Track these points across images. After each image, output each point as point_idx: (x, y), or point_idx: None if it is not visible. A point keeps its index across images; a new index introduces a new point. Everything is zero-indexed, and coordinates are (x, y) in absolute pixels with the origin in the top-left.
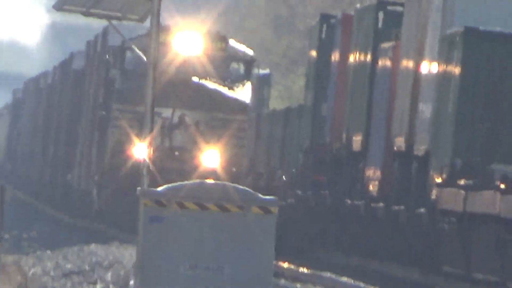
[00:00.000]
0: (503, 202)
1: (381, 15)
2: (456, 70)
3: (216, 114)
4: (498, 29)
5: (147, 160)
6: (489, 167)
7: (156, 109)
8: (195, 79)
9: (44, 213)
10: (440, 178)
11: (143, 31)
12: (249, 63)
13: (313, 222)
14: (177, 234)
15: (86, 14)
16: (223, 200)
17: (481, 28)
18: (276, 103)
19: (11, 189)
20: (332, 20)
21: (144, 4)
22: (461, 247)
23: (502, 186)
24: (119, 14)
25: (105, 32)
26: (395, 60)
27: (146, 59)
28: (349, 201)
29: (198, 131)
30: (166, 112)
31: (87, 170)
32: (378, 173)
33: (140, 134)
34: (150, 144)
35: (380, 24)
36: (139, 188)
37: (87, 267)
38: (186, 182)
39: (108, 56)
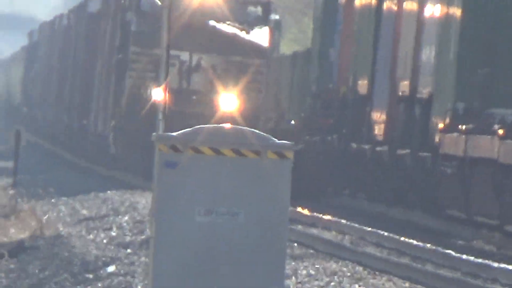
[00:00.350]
0: (501, 147)
1: None
2: (457, 12)
3: (233, 57)
4: None
5: (163, 104)
6: (488, 111)
7: (173, 52)
8: (212, 22)
9: (59, 158)
10: (442, 122)
11: None
12: (266, 6)
13: (321, 166)
14: (192, 180)
15: None
16: (239, 145)
17: None
18: (290, 47)
19: (26, 133)
20: None
21: None
22: (462, 191)
23: (500, 131)
24: None
25: None
26: (400, 3)
27: (161, 2)
28: (354, 145)
29: (215, 74)
30: (184, 56)
31: (104, 114)
32: (384, 116)
33: (157, 77)
34: (166, 88)
35: None
36: (154, 133)
37: (102, 213)
38: (202, 126)
39: None
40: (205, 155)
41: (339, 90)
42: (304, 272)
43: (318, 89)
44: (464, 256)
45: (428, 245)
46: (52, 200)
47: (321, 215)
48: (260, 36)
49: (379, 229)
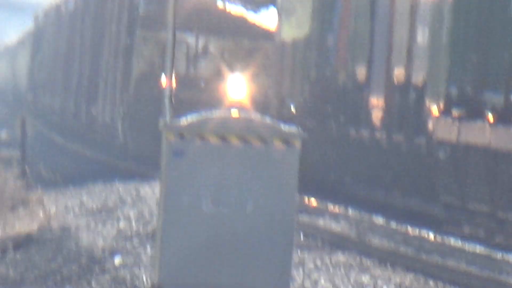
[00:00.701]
0: (493, 133)
1: None
2: (449, 2)
3: (241, 41)
4: None
5: (170, 90)
6: (481, 96)
7: (181, 35)
8: (220, 3)
9: (67, 148)
10: (436, 107)
11: None
12: None
13: (320, 152)
14: (200, 169)
15: None
16: (245, 132)
17: None
18: (295, 32)
19: (32, 120)
20: None
21: None
22: (455, 177)
23: (491, 117)
24: None
25: None
26: None
27: None
28: (353, 131)
29: (223, 59)
30: (191, 39)
31: (112, 102)
32: (381, 102)
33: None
34: (172, 74)
35: None
36: (161, 120)
37: (110, 204)
38: (209, 114)
39: None
40: (212, 144)
41: (337, 77)
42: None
43: (316, 75)
44: (470, 247)
45: (432, 236)
46: (60, 191)
47: (320, 203)
48: (268, 18)
49: (377, 216)
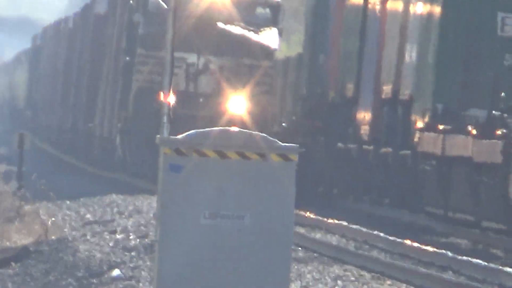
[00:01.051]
0: (475, 146)
1: None
2: (436, 22)
3: (241, 59)
4: None
5: (168, 107)
6: (465, 112)
7: (181, 55)
8: (220, 24)
9: (64, 162)
10: (422, 122)
11: None
12: (275, 8)
13: (311, 167)
14: (197, 183)
15: None
16: (243, 147)
17: None
18: (295, 49)
19: (30, 136)
20: None
21: None
22: (440, 189)
23: (474, 131)
24: None
25: None
26: (384, 9)
27: (167, 5)
28: (341, 145)
29: (223, 77)
30: (191, 58)
31: (110, 117)
32: (368, 117)
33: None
34: (171, 91)
35: None
36: (158, 136)
37: (107, 217)
38: (206, 129)
39: None
40: (210, 158)
41: (328, 93)
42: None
43: (308, 93)
44: (467, 259)
45: (430, 248)
46: (57, 204)
47: (311, 215)
48: (269, 37)
49: (364, 227)
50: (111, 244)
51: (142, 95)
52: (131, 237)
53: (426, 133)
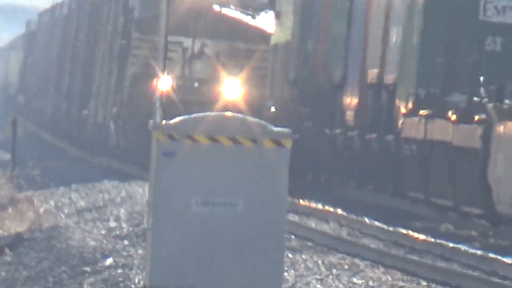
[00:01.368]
0: (455, 131)
1: None
2: (419, 8)
3: (237, 43)
4: None
5: (161, 92)
6: (446, 97)
7: (176, 38)
8: (216, 7)
9: (58, 149)
10: (405, 107)
11: None
12: None
13: (298, 153)
14: (190, 169)
15: None
16: (236, 133)
17: None
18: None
19: (23, 122)
20: None
21: None
22: (421, 173)
23: (454, 116)
24: None
25: None
26: (369, 2)
27: None
28: (328, 131)
29: (219, 61)
30: (187, 42)
31: (105, 103)
32: (354, 103)
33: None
34: (163, 76)
35: None
36: (151, 121)
37: (100, 204)
38: (199, 114)
39: None
40: (202, 143)
41: (316, 79)
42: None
43: (296, 78)
44: (460, 246)
45: (420, 236)
46: (50, 191)
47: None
48: (265, 21)
49: (352, 213)
50: (104, 232)
51: (137, 80)
52: (123, 225)
53: (409, 118)
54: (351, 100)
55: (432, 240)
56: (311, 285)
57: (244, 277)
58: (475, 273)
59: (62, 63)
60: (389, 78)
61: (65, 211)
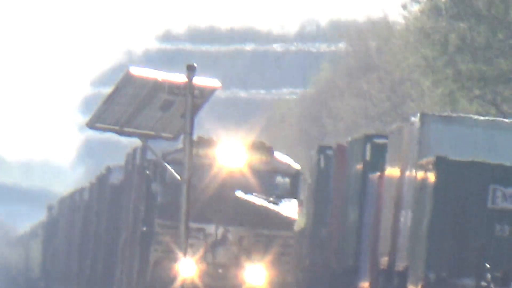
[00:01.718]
0: None
1: (368, 147)
2: (428, 195)
3: (260, 230)
4: (468, 157)
5: (181, 277)
6: (456, 280)
7: (199, 225)
8: (239, 193)
9: None
10: None
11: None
12: (295, 176)
13: None
14: None
15: (120, 132)
16: None
17: (451, 157)
18: None
19: None
20: (329, 152)
21: (178, 121)
22: None
23: None
24: (152, 132)
25: (144, 146)
26: (380, 189)
27: (180, 177)
28: None
29: (241, 247)
30: (209, 228)
31: (128, 287)
32: (366, 286)
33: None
34: (184, 262)
35: (367, 156)
36: None
37: None
38: None
39: (148, 169)
40: None
41: (328, 264)
42: None
43: (310, 264)
44: None
45: None
46: None
47: None
48: (288, 207)
49: None
50: None
51: (160, 266)
52: None
53: None
54: (363, 283)
55: None
56: None
57: None
58: None
59: (84, 249)
60: (400, 264)
61: None
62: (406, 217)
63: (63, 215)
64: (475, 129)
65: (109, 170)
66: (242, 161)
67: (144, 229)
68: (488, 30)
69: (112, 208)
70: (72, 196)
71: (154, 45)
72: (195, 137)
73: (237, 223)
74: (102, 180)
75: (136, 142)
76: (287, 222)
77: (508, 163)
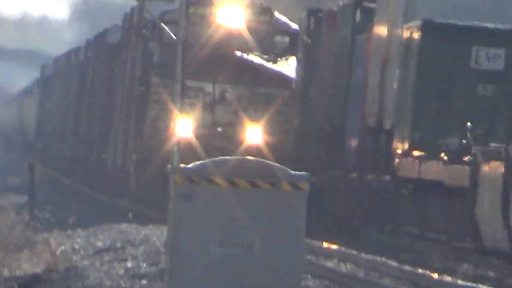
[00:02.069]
0: (446, 171)
1: (358, 11)
2: (414, 57)
3: (259, 89)
4: (453, 21)
5: (176, 136)
6: (439, 140)
7: (197, 84)
8: (238, 53)
9: (76, 192)
10: (401, 149)
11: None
12: (294, 36)
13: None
14: (207, 211)
15: None
16: (254, 176)
17: (437, 20)
18: None
19: (41, 167)
20: (320, 14)
21: None
22: (416, 210)
23: (445, 157)
24: None
25: (141, 5)
26: (368, 50)
27: (176, 36)
28: (330, 172)
29: (240, 106)
30: (208, 87)
31: (124, 148)
32: (354, 147)
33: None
34: (180, 121)
35: (357, 19)
36: (169, 165)
37: (117, 245)
38: (217, 158)
39: (146, 29)
40: (219, 186)
41: (318, 125)
42: None
43: (299, 124)
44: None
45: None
46: (67, 232)
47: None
48: (287, 66)
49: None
50: (121, 272)
51: (157, 124)
52: (141, 265)
53: (404, 159)
54: (351, 144)
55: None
56: None
57: None
58: None
59: (80, 108)
60: (387, 122)
61: (82, 252)
62: (393, 76)
63: (59, 75)
64: None
65: (106, 29)
66: (241, 21)
67: (142, 88)
68: None
69: (109, 68)
70: (68, 54)
71: None
72: None
73: (235, 82)
74: (99, 40)
75: (129, 6)
76: (286, 81)
77: (491, 25)
